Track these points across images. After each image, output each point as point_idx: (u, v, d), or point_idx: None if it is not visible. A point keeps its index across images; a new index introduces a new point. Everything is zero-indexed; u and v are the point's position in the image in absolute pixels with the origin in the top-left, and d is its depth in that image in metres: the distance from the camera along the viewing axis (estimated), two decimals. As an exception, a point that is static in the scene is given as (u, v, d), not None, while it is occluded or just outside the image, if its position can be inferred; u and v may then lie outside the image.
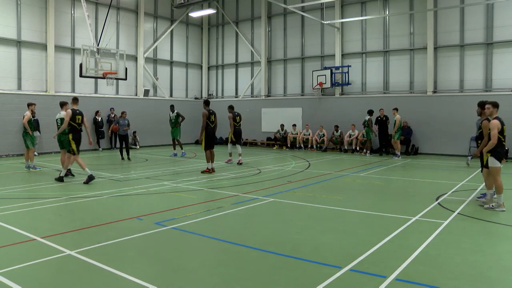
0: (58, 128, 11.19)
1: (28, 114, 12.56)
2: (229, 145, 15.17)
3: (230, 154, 15.07)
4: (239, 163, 14.46)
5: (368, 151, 18.05)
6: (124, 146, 15.34)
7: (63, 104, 11.33)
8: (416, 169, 13.65)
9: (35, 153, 16.36)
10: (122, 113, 15.71)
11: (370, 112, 17.91)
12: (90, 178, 10.16)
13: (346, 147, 19.19)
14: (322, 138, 19.98)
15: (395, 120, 16.79)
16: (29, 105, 12.73)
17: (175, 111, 17.37)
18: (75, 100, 10.82)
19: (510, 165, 14.42)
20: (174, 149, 17.38)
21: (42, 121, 17.20)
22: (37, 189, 9.56)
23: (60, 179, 10.43)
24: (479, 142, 8.22)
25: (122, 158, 15.40)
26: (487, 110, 8.25)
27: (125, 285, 4.15)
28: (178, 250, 5.24)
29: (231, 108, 14.83)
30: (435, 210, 7.41)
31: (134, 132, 20.91)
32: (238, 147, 15.03)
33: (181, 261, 4.87)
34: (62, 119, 11.16)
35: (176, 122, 17.18)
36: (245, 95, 24.21)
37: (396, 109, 17.07)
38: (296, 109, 21.90)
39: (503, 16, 16.50)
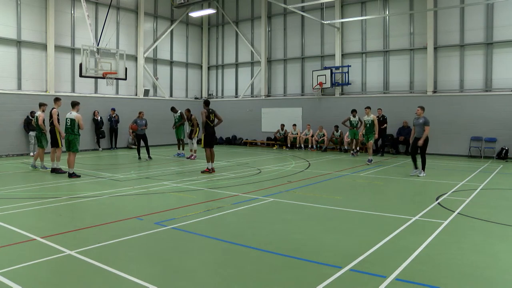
0: (67, 128, 11.21)
1: (42, 114, 12.56)
2: (195, 143, 15.93)
3: (191, 150, 15.92)
4: (191, 158, 15.66)
5: (356, 152, 17.42)
6: (142, 145, 15.42)
7: (75, 104, 11.34)
8: (416, 169, 13.63)
9: (32, 153, 16.40)
10: (140, 113, 15.83)
11: (352, 112, 16.97)
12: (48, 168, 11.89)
13: (346, 147, 19.19)
14: (322, 138, 19.99)
15: (372, 121, 14.58)
16: (41, 105, 12.77)
17: (179, 111, 17.34)
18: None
19: (510, 165, 14.42)
20: (179, 149, 17.37)
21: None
22: (37, 189, 9.56)
23: (72, 175, 10.98)
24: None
25: (139, 158, 15.43)
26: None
27: (125, 285, 4.15)
28: (178, 250, 5.24)
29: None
30: (435, 210, 7.41)
31: (133, 132, 20.88)
32: (194, 143, 15.86)
33: (181, 261, 4.88)
34: (72, 120, 11.14)
35: (179, 122, 17.13)
36: (245, 95, 24.22)
37: (369, 108, 15.04)
38: (296, 109, 21.91)
39: (503, 16, 16.51)
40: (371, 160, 14.73)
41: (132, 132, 19.38)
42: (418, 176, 11.48)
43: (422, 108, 11.71)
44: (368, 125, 14.68)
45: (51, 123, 11.89)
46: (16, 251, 5.14)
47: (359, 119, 16.73)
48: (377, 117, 17.46)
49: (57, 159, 11.91)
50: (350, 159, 16.32)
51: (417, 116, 11.66)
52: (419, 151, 11.58)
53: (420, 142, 11.29)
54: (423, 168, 11.62)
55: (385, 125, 17.97)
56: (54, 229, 6.07)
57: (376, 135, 14.77)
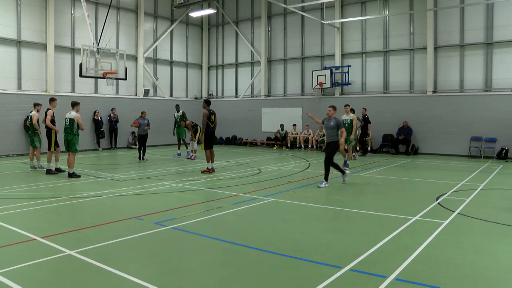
0: (66, 128, 11.16)
1: (36, 114, 12.56)
2: (195, 143, 16.00)
3: (192, 151, 16.11)
4: (191, 158, 15.72)
5: (353, 154, 15.46)
6: (142, 145, 15.36)
7: (74, 104, 11.31)
8: (416, 169, 13.65)
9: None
10: (142, 113, 15.76)
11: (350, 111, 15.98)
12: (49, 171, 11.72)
13: (346, 147, 19.13)
14: (322, 138, 19.99)
15: (351, 120, 13.44)
16: (35, 105, 12.75)
17: (181, 111, 17.33)
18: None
19: (510, 165, 14.42)
20: (179, 149, 17.33)
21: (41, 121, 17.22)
22: (37, 189, 9.56)
23: (72, 175, 10.96)
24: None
25: (139, 158, 15.37)
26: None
27: (125, 285, 4.15)
28: (178, 250, 5.24)
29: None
30: (435, 210, 7.41)
31: (133, 133, 20.90)
32: (194, 143, 15.95)
33: (181, 261, 4.87)
34: (71, 119, 11.12)
35: (179, 123, 17.06)
36: (245, 95, 24.22)
37: (349, 105, 13.95)
38: (296, 109, 21.91)
39: (503, 16, 16.51)
40: (347, 164, 13.02)
41: (133, 133, 19.30)
42: (319, 187, 9.65)
43: (334, 108, 10.09)
44: (346, 124, 13.31)
45: (45, 125, 11.86)
46: (16, 251, 5.14)
47: (357, 119, 16.50)
48: (361, 117, 17.32)
49: (48, 160, 11.83)
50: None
51: (328, 118, 10.06)
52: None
53: (341, 141, 9.99)
54: (326, 178, 9.80)
55: (369, 124, 17.85)
56: (54, 229, 6.07)
57: (352, 137, 13.40)
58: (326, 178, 9.84)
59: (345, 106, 13.89)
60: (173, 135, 17.55)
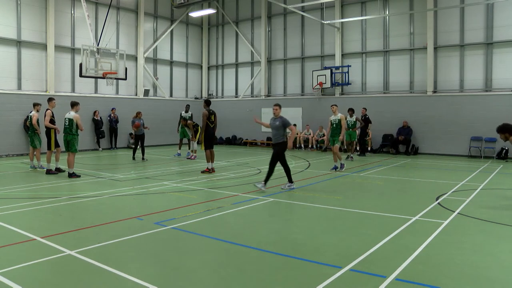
0: (65, 128, 11.15)
1: (36, 114, 12.57)
2: (195, 143, 16.03)
3: (192, 151, 16.20)
4: (191, 158, 15.80)
5: (351, 155, 15.97)
6: (139, 145, 15.26)
7: (74, 104, 11.31)
8: (416, 169, 13.65)
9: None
10: (138, 113, 15.71)
11: (349, 111, 15.96)
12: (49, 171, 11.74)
13: (345, 147, 19.16)
14: (322, 138, 19.99)
15: (339, 120, 12.60)
16: (35, 105, 12.75)
17: (190, 112, 17.32)
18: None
19: (510, 165, 14.42)
20: (180, 148, 17.30)
21: (41, 121, 17.18)
22: (37, 189, 9.56)
23: (72, 175, 10.96)
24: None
25: (133, 158, 15.31)
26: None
27: (125, 285, 4.15)
28: (178, 250, 5.24)
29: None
30: (435, 210, 7.41)
31: (131, 133, 20.87)
32: (194, 143, 15.98)
33: (181, 261, 4.88)
34: (70, 120, 11.11)
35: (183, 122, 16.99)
36: (245, 95, 24.22)
37: (336, 105, 13.10)
38: (296, 109, 21.90)
39: (503, 16, 16.51)
40: (343, 165, 12.66)
41: (131, 134, 19.23)
42: (256, 186, 9.25)
43: (280, 107, 9.60)
44: (334, 125, 12.68)
45: (45, 126, 11.84)
46: (16, 251, 5.14)
47: (356, 119, 16.45)
48: (361, 117, 17.36)
49: (48, 160, 11.81)
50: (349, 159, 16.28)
51: (274, 117, 9.51)
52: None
53: (290, 145, 9.34)
54: (266, 180, 9.23)
55: (370, 124, 17.88)
56: (54, 229, 6.07)
57: (341, 137, 12.69)
58: (266, 180, 9.24)
59: (332, 106, 13.00)
60: (177, 133, 17.54)
